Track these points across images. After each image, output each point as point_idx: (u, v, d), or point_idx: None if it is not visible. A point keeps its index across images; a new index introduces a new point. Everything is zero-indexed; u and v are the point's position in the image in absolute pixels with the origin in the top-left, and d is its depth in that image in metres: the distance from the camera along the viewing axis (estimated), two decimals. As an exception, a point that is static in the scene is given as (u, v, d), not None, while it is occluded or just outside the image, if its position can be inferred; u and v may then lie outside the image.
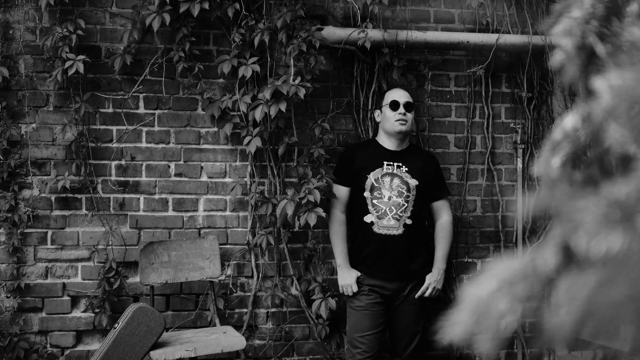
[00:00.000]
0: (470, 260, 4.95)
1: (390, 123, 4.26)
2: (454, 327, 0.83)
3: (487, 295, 0.85)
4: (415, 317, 4.26)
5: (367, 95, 4.74)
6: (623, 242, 0.73)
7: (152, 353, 3.83)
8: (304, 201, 4.18)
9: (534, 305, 0.93)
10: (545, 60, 4.89)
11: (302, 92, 4.19)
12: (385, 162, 4.26)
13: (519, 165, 4.99)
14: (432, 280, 4.27)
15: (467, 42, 4.77)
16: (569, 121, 0.99)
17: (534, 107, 5.02)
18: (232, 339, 4.06)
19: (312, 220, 4.14)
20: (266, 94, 4.21)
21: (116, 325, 3.88)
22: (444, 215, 4.42)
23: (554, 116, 5.02)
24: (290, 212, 4.18)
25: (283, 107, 4.20)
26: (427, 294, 4.25)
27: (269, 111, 4.23)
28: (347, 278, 4.21)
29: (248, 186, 4.58)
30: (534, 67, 4.96)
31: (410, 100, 4.32)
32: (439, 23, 4.90)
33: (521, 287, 0.87)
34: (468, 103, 4.95)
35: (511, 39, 4.82)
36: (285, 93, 4.19)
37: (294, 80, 4.24)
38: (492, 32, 4.88)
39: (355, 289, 4.18)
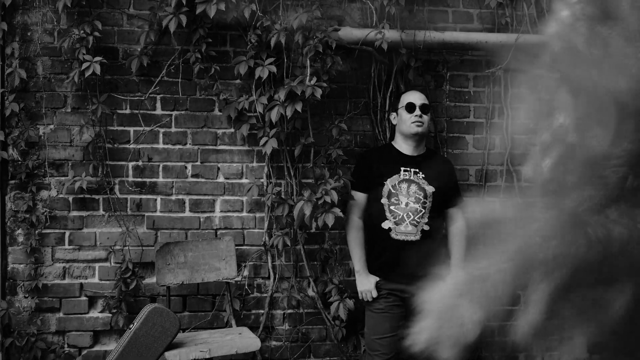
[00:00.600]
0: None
1: (406, 125, 4.23)
2: (419, 335, 0.81)
3: (448, 301, 0.84)
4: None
5: (385, 96, 4.71)
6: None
7: (167, 354, 3.83)
8: (320, 202, 4.16)
9: (498, 310, 0.92)
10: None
11: (318, 93, 4.17)
12: (402, 169, 4.22)
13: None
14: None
15: (486, 42, 4.73)
16: (556, 120, 0.97)
17: (554, 108, 4.95)
18: (247, 340, 4.05)
19: (330, 221, 4.12)
20: (281, 94, 4.20)
21: (131, 326, 3.89)
22: (458, 220, 4.37)
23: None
24: (307, 212, 4.16)
25: (299, 107, 4.19)
26: None
27: (285, 112, 4.22)
28: (366, 284, 4.18)
29: (264, 187, 4.57)
30: (554, 66, 4.90)
31: (427, 102, 4.29)
32: (457, 23, 4.86)
33: (479, 291, 0.86)
34: (487, 103, 4.91)
35: (531, 39, 4.77)
36: (300, 94, 4.18)
37: (309, 81, 4.23)
38: (512, 32, 4.84)
39: (375, 294, 4.15)
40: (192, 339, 4.11)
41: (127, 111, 4.51)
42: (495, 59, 4.84)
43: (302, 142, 4.42)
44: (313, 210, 4.17)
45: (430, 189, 4.21)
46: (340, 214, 4.12)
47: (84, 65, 4.19)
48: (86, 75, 4.20)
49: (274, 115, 4.25)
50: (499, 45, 4.74)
